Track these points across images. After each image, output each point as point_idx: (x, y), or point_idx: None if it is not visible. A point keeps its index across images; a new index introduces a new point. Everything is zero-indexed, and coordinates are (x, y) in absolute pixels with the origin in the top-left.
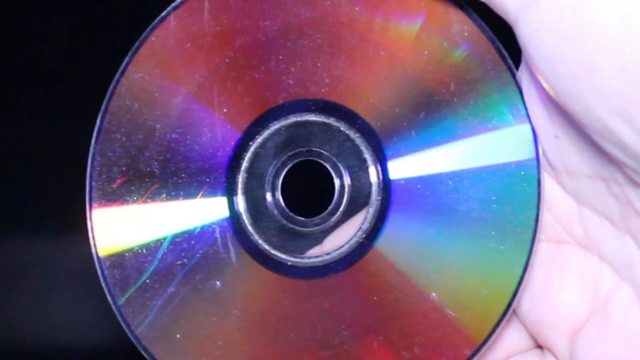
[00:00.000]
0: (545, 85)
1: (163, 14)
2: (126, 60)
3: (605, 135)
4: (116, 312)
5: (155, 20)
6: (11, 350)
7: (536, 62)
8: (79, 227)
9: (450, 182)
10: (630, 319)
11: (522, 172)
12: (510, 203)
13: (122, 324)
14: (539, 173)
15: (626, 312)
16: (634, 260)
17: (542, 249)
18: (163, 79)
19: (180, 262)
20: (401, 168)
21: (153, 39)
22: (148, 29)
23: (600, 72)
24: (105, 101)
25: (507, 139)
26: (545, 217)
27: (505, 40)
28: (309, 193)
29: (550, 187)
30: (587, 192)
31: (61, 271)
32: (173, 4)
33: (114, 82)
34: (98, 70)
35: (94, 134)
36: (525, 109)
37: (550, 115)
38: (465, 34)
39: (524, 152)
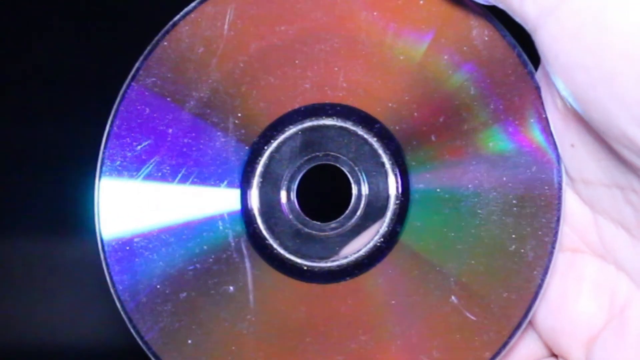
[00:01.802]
0: (564, 92)
1: (176, 18)
2: (137, 64)
3: (623, 143)
4: (125, 319)
5: (168, 25)
6: (15, 351)
7: (555, 69)
8: (80, 227)
9: (470, 186)
10: None
11: (544, 176)
12: (532, 206)
13: (132, 330)
14: (560, 176)
15: None
16: None
17: (558, 258)
18: (175, 84)
19: (192, 267)
20: (420, 172)
21: (165, 43)
22: (160, 33)
23: (620, 80)
24: (115, 105)
25: (528, 142)
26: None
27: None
28: (326, 197)
29: (566, 195)
30: (603, 200)
31: (64, 272)
32: (186, 9)
33: (124, 87)
34: (102, 71)
35: (104, 138)
36: (545, 112)
37: (566, 123)
38: (486, 38)
39: (545, 156)
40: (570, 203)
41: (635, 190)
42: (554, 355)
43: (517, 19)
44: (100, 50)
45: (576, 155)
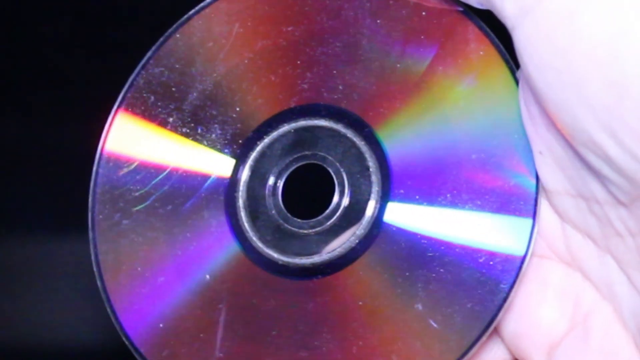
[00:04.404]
0: (537, 94)
1: (191, 12)
2: (148, 54)
3: (590, 148)
4: (103, 296)
5: (182, 18)
6: (11, 351)
7: (530, 70)
8: (77, 227)
9: (448, 195)
10: (608, 337)
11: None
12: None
13: (108, 309)
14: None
15: (605, 330)
16: (614, 279)
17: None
18: (182, 75)
19: (173, 253)
20: (402, 178)
21: (177, 35)
22: (174, 25)
23: (588, 85)
24: (122, 92)
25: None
26: None
27: None
28: (310, 196)
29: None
30: (570, 210)
31: (64, 272)
32: (201, 4)
33: (133, 74)
34: (103, 71)
35: (107, 124)
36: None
37: (536, 130)
38: (481, 53)
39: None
40: (540, 210)
41: (599, 202)
42: None
43: (499, 18)
44: (101, 49)
45: (544, 163)
